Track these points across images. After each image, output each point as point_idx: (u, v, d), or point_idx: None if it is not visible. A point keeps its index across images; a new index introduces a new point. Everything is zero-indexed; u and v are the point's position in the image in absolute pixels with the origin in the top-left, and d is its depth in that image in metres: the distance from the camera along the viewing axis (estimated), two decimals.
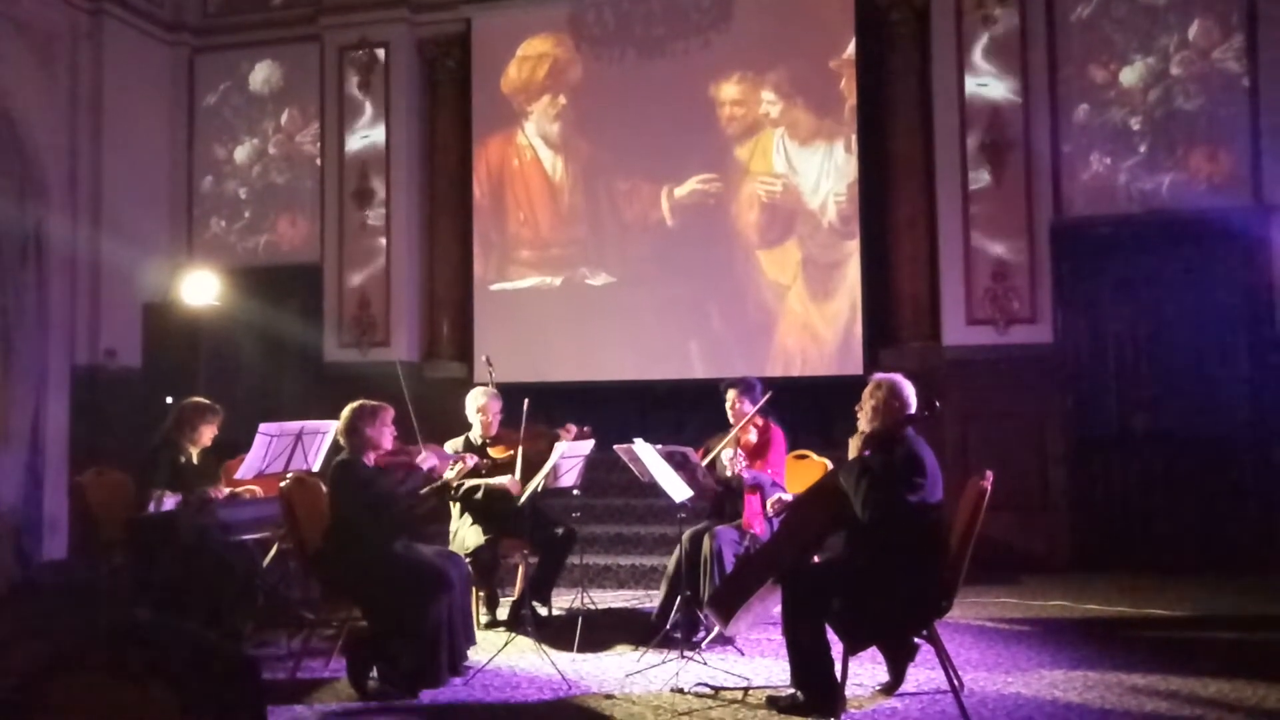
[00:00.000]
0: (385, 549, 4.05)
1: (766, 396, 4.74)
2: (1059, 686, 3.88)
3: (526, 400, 4.79)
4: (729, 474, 4.69)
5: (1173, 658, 4.24)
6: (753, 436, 4.85)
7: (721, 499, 4.85)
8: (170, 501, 4.65)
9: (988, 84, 6.58)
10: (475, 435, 5.11)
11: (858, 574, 3.61)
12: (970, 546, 3.58)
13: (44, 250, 6.89)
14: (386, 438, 4.23)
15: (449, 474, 4.57)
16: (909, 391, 3.74)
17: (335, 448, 4.51)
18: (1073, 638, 4.64)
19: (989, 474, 3.65)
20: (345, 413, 4.21)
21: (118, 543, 4.84)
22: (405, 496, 4.18)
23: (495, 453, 5.03)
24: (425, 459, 4.29)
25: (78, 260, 7.16)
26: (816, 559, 4.06)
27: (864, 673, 3.99)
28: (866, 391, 3.79)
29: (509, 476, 4.84)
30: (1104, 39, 6.56)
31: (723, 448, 4.72)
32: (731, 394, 4.89)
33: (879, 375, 3.85)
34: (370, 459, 4.19)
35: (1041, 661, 4.24)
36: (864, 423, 3.78)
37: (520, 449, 4.84)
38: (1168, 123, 6.43)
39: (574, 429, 4.95)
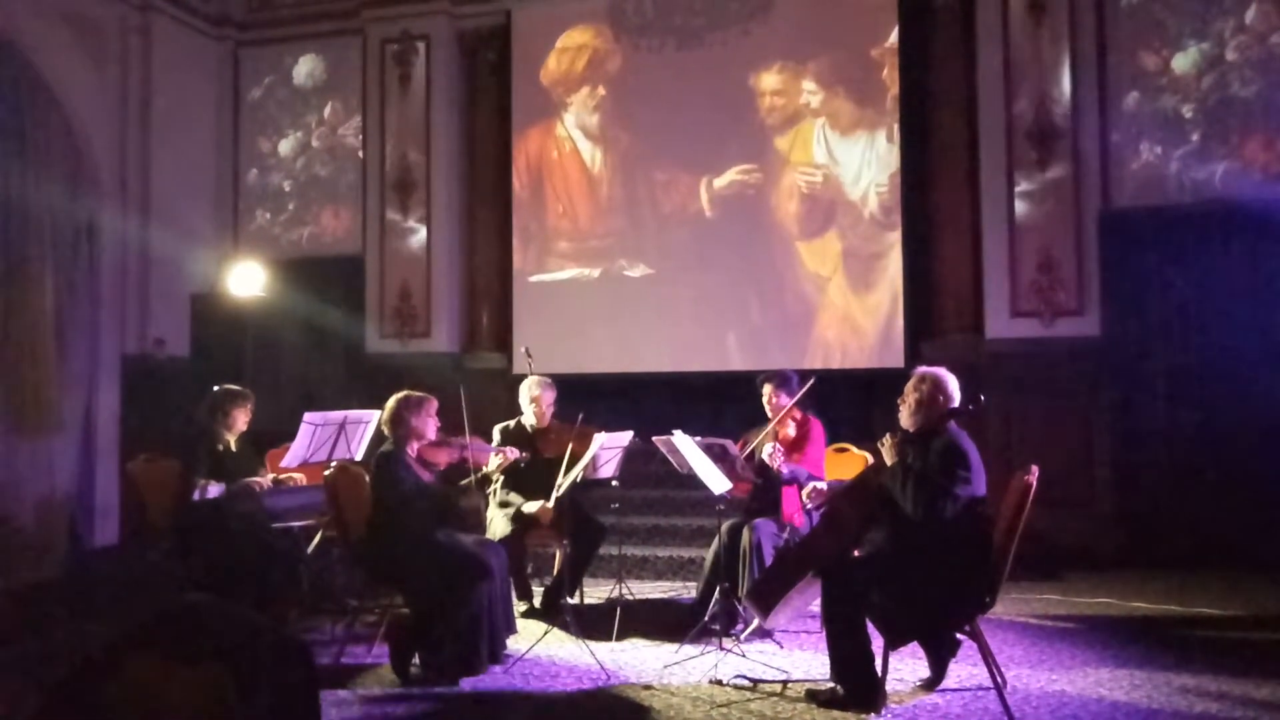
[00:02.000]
0: (427, 537, 4.10)
1: (809, 384, 4.69)
2: (1105, 685, 3.82)
3: (581, 416, 4.73)
4: (770, 466, 4.64)
5: (1223, 658, 4.15)
6: (791, 430, 4.82)
7: (761, 491, 4.83)
8: (214, 490, 4.72)
9: (1035, 71, 6.46)
10: (528, 421, 5.14)
11: (899, 568, 3.58)
12: (1015, 542, 3.53)
13: (96, 241, 7.06)
14: (430, 428, 4.27)
15: (490, 466, 4.60)
16: (953, 386, 3.70)
17: (378, 437, 4.56)
18: (1119, 635, 4.56)
19: (1034, 469, 3.60)
20: (390, 403, 4.26)
21: (166, 528, 4.95)
22: (443, 489, 4.21)
23: (543, 447, 5.04)
24: (467, 450, 4.32)
25: (128, 251, 7.32)
26: (857, 552, 4.03)
27: (905, 668, 3.95)
28: (910, 385, 3.76)
29: (540, 503, 4.78)
30: (1155, 24, 6.41)
31: (761, 441, 4.68)
32: (768, 388, 4.85)
33: (923, 369, 3.82)
34: (414, 449, 4.24)
35: (1087, 659, 4.17)
36: (905, 416, 3.75)
37: (570, 450, 4.78)
38: (1222, 110, 6.26)
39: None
